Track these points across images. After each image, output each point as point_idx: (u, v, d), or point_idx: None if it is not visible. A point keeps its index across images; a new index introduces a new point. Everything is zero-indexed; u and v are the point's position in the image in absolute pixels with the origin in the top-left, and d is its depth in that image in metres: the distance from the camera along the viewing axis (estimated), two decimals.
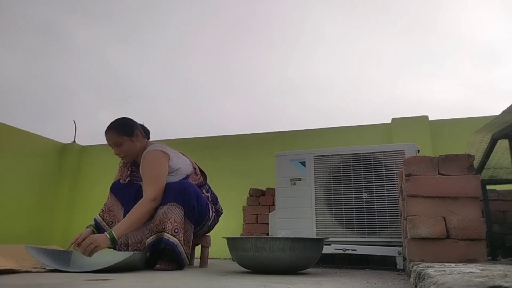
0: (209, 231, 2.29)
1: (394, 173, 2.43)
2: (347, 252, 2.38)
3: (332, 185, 2.56)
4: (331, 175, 2.57)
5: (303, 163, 2.66)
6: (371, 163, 2.50)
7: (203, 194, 2.16)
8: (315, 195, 2.58)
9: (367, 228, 2.42)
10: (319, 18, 7.93)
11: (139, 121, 2.28)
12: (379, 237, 2.38)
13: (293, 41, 8.12)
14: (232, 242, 1.83)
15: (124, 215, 2.07)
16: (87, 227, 2.08)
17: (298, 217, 2.59)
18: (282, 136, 4.35)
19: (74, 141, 5.19)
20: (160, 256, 1.96)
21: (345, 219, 2.48)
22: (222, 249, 3.37)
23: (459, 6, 7.39)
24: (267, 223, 3.44)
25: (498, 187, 2.90)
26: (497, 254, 2.38)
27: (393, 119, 3.91)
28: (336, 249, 2.41)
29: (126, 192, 2.17)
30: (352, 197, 2.49)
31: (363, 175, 2.50)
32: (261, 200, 3.67)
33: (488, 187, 2.59)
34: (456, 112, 6.03)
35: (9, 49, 7.63)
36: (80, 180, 5.01)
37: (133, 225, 1.87)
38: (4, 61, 7.57)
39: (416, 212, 1.52)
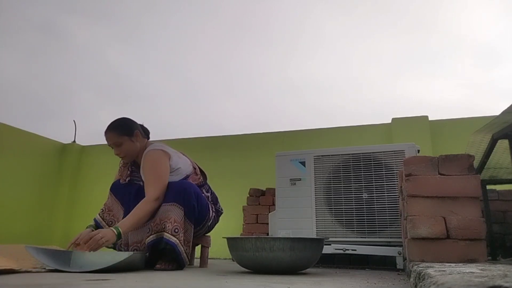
0: (209, 231, 2.29)
1: (394, 173, 2.43)
2: (347, 252, 2.38)
3: (332, 185, 2.56)
4: (331, 175, 2.57)
5: (303, 163, 2.66)
6: (371, 163, 2.50)
7: (203, 194, 2.16)
8: (315, 195, 2.58)
9: (367, 228, 2.42)
10: (319, 18, 7.93)
11: (139, 121, 2.28)
12: (379, 237, 2.38)
13: (293, 41, 8.12)
14: (232, 242, 1.83)
15: (124, 215, 2.07)
16: (87, 228, 2.08)
17: (298, 217, 2.59)
18: (282, 136, 4.35)
19: (74, 141, 5.19)
20: (160, 256, 1.96)
21: (345, 219, 2.48)
22: (222, 249, 3.37)
23: (459, 6, 7.39)
24: (267, 223, 3.44)
25: (498, 187, 2.90)
26: (497, 254, 2.38)
27: (393, 119, 3.91)
28: (336, 249, 2.41)
29: (126, 192, 2.17)
30: (352, 197, 2.49)
31: (363, 175, 2.50)
32: (261, 200, 3.67)
33: (488, 187, 2.59)
34: (456, 112, 6.04)
35: (9, 49, 7.64)
36: (80, 180, 5.01)
37: (137, 223, 1.87)
38: (4, 61, 7.58)
39: (416, 212, 1.52)
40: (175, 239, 1.88)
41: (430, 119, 3.81)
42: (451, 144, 3.59)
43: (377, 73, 7.83)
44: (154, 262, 1.95)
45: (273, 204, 3.50)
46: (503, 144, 1.97)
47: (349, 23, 8.02)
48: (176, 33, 8.52)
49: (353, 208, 2.47)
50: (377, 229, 2.40)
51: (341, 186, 2.54)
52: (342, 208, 2.50)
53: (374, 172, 2.48)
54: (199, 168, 2.33)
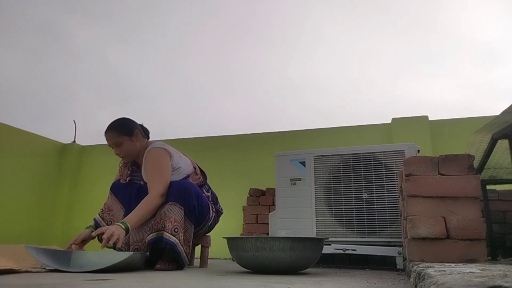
0: (209, 231, 2.29)
1: (394, 173, 2.43)
2: (347, 252, 2.38)
3: (332, 185, 2.56)
4: (331, 175, 2.57)
5: (303, 163, 2.66)
6: (371, 163, 2.50)
7: (203, 194, 2.16)
8: (315, 195, 2.58)
9: (367, 228, 2.42)
10: (319, 18, 7.93)
11: (139, 121, 2.28)
12: (379, 237, 2.38)
13: (293, 41, 8.12)
14: (232, 242, 1.83)
15: (125, 215, 2.07)
16: (86, 228, 2.08)
17: (298, 217, 2.59)
18: (282, 136, 4.35)
19: (74, 141, 5.19)
20: (160, 256, 1.96)
21: (345, 219, 2.48)
22: (222, 249, 3.37)
23: (459, 6, 7.39)
24: (267, 223, 3.44)
25: (498, 187, 2.90)
26: (497, 254, 2.38)
27: (393, 119, 3.91)
28: (336, 249, 2.41)
29: (127, 192, 2.17)
30: (352, 197, 2.49)
31: (363, 175, 2.50)
32: (261, 200, 3.67)
33: (488, 187, 2.59)
34: (456, 112, 6.04)
35: (9, 49, 7.64)
36: (80, 180, 5.01)
37: (143, 219, 1.87)
38: (4, 61, 7.58)
39: (416, 212, 1.52)
40: (175, 238, 1.88)
41: (430, 119, 3.81)
42: (451, 144, 3.59)
43: (377, 73, 7.84)
44: (154, 262, 1.95)
45: (273, 204, 3.50)
46: (503, 144, 1.97)
47: (349, 23, 8.02)
48: (176, 33, 8.52)
49: (353, 208, 2.47)
50: (377, 229, 2.40)
51: (341, 186, 2.54)
52: (342, 208, 2.50)
53: (374, 172, 2.48)
54: (199, 168, 2.33)
